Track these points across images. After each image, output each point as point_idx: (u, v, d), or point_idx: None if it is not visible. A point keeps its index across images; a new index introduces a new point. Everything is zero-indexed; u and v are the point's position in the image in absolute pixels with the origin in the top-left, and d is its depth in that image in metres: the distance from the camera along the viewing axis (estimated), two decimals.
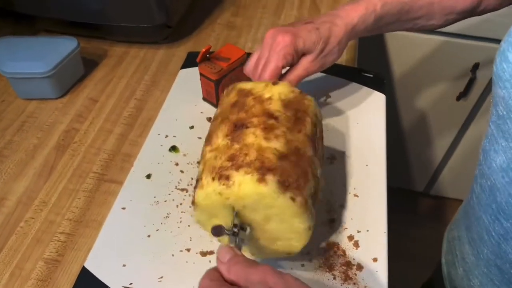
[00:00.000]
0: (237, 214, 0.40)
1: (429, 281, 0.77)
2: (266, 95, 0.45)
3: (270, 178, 0.38)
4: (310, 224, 0.41)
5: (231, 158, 0.40)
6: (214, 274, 0.35)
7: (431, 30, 1.07)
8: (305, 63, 0.53)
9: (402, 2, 0.55)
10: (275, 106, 0.44)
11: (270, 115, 0.43)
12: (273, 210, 0.39)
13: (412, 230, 1.52)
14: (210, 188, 0.39)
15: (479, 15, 0.60)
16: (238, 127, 0.42)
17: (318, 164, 0.44)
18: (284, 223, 0.41)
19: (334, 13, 0.55)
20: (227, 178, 0.38)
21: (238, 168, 0.39)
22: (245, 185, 0.38)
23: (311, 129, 0.45)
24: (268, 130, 0.41)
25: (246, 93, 0.46)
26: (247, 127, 0.42)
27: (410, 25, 0.59)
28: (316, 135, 0.46)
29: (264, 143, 0.40)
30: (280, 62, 0.51)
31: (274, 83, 0.46)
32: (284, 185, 0.38)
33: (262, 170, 0.38)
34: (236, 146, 0.41)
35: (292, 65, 0.53)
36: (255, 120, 0.42)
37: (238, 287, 0.33)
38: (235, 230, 0.40)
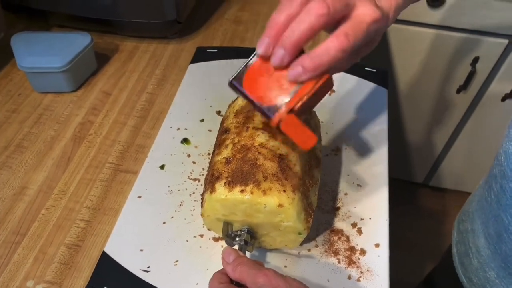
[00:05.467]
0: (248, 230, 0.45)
1: (436, 270, 0.78)
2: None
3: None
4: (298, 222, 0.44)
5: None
6: (222, 277, 0.39)
7: (431, 24, 1.09)
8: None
9: None
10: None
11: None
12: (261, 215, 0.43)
13: (411, 220, 1.55)
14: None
15: None
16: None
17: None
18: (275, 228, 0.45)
19: None
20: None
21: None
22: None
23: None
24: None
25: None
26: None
27: None
28: None
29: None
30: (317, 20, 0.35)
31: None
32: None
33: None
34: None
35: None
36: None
37: None
38: (245, 240, 0.45)
